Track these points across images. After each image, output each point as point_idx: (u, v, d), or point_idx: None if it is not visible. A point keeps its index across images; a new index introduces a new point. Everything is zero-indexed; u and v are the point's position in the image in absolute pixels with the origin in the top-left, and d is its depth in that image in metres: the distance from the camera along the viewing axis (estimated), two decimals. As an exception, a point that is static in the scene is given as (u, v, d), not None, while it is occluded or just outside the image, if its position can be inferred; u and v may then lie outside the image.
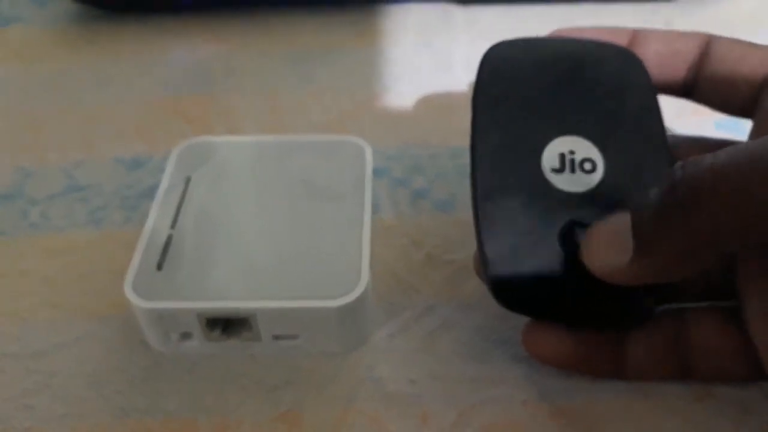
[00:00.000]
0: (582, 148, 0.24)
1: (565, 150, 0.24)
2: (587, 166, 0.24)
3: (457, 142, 0.34)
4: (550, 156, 0.24)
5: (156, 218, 0.27)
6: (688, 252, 0.19)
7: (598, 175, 0.23)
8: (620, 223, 0.20)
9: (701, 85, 0.26)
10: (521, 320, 0.26)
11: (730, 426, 0.23)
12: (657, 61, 0.26)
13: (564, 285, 0.23)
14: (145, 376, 0.25)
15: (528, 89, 0.25)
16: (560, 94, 0.25)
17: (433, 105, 0.36)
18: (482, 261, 0.23)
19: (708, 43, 0.26)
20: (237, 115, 0.36)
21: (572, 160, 0.24)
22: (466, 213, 0.30)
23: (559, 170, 0.23)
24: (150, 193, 0.29)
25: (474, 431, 0.24)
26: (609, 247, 0.20)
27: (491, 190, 0.23)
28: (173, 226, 0.27)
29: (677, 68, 0.26)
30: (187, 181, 0.28)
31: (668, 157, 0.24)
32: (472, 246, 0.29)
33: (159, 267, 0.25)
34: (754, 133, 0.25)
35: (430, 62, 0.39)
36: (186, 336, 0.25)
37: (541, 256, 0.22)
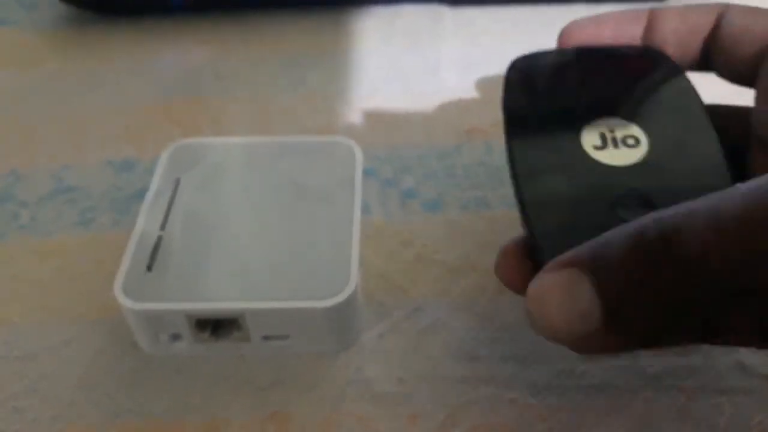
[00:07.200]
0: (622, 127, 0.23)
1: (605, 130, 0.23)
2: (630, 141, 0.23)
3: (446, 142, 0.34)
4: (589, 136, 0.23)
5: (145, 220, 0.27)
6: (674, 311, 0.16)
7: (644, 148, 0.23)
8: (572, 279, 0.17)
9: (713, 56, 0.25)
10: (509, 320, 0.27)
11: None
12: (675, 39, 0.25)
13: None
14: (135, 377, 0.25)
15: (557, 84, 0.25)
16: (592, 85, 0.25)
17: (422, 106, 0.36)
18: (533, 246, 0.21)
19: (722, 14, 0.25)
20: (227, 118, 0.36)
21: (614, 138, 0.23)
22: (455, 213, 0.31)
23: (602, 147, 0.23)
24: (140, 195, 0.29)
25: (462, 431, 0.24)
26: (567, 310, 0.17)
27: (533, 172, 0.22)
28: (163, 227, 0.27)
29: (694, 43, 0.25)
30: (177, 182, 0.28)
31: (712, 131, 0.23)
32: (461, 246, 0.29)
33: (149, 268, 0.25)
34: (758, 104, 0.23)
35: (420, 63, 0.39)
36: (175, 337, 0.25)
37: (597, 232, 0.20)
